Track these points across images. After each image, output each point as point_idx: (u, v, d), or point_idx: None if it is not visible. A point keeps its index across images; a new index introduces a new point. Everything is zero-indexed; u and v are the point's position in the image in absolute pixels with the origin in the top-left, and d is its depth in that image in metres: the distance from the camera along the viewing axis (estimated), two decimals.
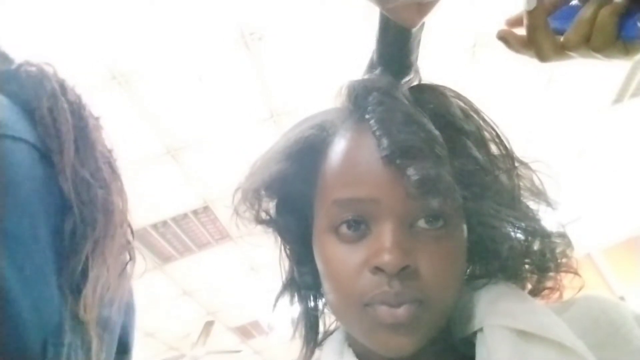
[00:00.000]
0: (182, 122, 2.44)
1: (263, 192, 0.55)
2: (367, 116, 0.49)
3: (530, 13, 0.46)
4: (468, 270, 0.54)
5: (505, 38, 0.50)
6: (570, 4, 0.46)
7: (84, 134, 0.54)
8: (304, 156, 0.52)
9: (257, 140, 2.58)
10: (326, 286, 0.49)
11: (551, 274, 0.53)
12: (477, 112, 0.52)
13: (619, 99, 3.10)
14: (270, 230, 0.58)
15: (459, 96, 0.53)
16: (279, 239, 0.59)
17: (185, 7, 1.97)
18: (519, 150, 0.53)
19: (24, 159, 0.47)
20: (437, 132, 0.46)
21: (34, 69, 0.53)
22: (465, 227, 0.49)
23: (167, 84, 2.23)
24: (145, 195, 2.71)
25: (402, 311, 0.44)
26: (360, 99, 0.51)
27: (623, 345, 0.45)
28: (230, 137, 2.59)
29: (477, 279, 0.53)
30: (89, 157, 0.54)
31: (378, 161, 0.46)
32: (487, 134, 0.51)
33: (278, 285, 0.60)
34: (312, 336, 0.58)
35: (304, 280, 0.57)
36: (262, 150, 0.56)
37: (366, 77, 0.53)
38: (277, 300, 0.60)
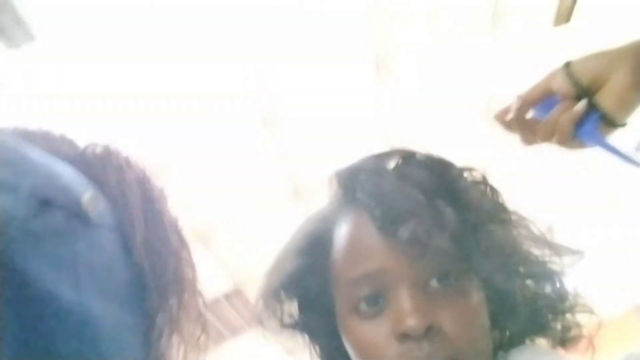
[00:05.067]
0: (208, 205, 2.47)
1: (282, 294, 0.57)
2: (358, 195, 0.53)
3: (515, 108, 0.56)
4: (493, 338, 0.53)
5: (499, 120, 0.59)
6: (552, 97, 0.55)
7: (151, 204, 0.55)
8: (314, 250, 0.56)
9: (284, 218, 2.58)
10: None
11: (570, 315, 0.53)
12: (460, 170, 0.55)
13: None
14: (297, 333, 0.58)
15: (441, 164, 0.56)
16: (306, 339, 0.58)
17: (205, 91, 2.06)
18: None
19: (110, 244, 0.48)
20: (422, 198, 0.49)
21: (99, 148, 0.56)
22: (478, 283, 0.50)
23: (193, 170, 2.29)
24: None
25: None
26: (349, 181, 0.56)
27: None
28: (257, 217, 2.60)
29: (505, 347, 0.53)
30: (157, 226, 0.54)
31: (377, 233, 0.50)
32: (474, 193, 0.54)
33: None
34: None
35: None
36: (285, 236, 0.59)
37: (351, 164, 0.57)
38: None
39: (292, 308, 0.58)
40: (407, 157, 0.56)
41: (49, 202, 0.43)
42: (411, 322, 0.45)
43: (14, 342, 0.38)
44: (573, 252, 0.53)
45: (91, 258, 0.45)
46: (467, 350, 0.46)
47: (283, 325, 0.57)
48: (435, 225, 0.47)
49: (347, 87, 2.23)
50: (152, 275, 0.51)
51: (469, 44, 2.23)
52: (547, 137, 0.55)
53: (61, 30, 1.77)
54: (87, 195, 0.47)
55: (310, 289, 0.56)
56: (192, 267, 0.59)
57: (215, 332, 3.17)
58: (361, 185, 0.53)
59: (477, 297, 0.49)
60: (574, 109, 0.53)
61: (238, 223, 2.60)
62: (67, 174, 0.48)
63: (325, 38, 2.04)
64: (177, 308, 0.53)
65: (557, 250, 0.53)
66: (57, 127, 0.58)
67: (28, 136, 0.55)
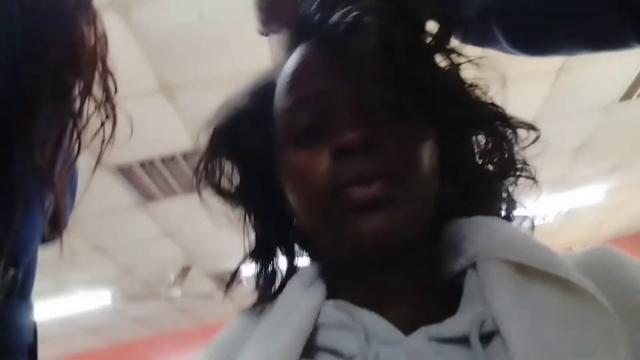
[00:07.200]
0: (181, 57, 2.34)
1: (222, 147, 0.54)
2: (302, 26, 0.49)
3: None
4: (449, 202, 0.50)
5: None
6: None
7: None
8: (261, 94, 0.52)
9: None
10: (297, 205, 0.47)
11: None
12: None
13: (627, 96, 3.04)
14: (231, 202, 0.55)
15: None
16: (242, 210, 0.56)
17: None
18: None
19: None
20: (367, 13, 0.43)
21: None
22: (431, 130, 0.47)
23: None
24: (136, 131, 2.61)
25: (374, 188, 0.41)
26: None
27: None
28: (231, 78, 2.50)
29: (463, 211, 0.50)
30: None
31: (317, 54, 0.46)
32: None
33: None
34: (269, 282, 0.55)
35: (271, 239, 0.54)
36: None
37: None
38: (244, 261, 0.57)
39: (231, 172, 0.54)
40: None
41: None
42: (349, 135, 0.41)
43: None
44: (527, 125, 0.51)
45: None
46: (408, 171, 0.43)
47: (219, 189, 0.55)
48: (379, 41, 0.42)
49: None
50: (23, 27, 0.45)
51: None
52: None
53: None
54: None
55: (250, 139, 0.51)
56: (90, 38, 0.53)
57: (168, 187, 3.21)
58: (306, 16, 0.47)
59: (425, 136, 0.46)
60: None
61: (209, 78, 2.48)
62: None
63: None
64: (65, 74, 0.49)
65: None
66: None
67: None
